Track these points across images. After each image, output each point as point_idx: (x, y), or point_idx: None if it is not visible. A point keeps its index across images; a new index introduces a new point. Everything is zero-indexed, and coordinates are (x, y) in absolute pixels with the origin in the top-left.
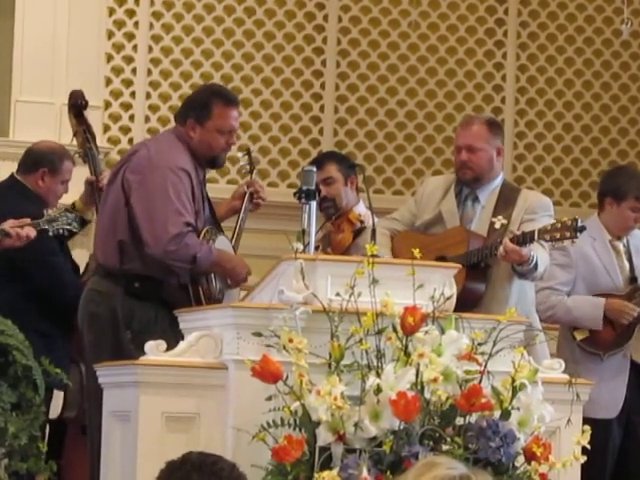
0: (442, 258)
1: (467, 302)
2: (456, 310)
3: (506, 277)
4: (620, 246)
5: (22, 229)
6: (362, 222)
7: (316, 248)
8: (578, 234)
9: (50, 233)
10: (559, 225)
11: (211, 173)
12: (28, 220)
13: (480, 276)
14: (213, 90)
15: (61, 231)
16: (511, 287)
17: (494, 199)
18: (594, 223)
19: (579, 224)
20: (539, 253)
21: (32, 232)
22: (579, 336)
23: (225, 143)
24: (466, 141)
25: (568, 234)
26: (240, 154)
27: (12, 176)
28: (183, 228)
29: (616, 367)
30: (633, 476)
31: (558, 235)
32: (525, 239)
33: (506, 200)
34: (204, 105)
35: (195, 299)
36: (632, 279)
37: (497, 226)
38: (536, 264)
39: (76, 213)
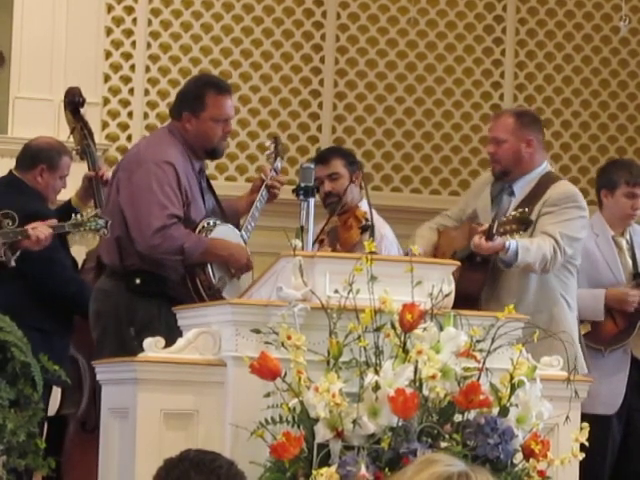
0: (455, 253)
1: (465, 294)
2: (456, 304)
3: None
4: (623, 242)
5: (42, 234)
6: (367, 220)
7: (321, 242)
8: (524, 227)
9: (77, 237)
10: (511, 217)
11: (210, 170)
12: (54, 221)
13: (474, 269)
14: (205, 80)
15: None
16: (528, 278)
17: (527, 192)
18: (597, 220)
19: (526, 216)
20: (527, 242)
21: (48, 232)
22: (580, 331)
23: (222, 132)
24: (492, 133)
25: (515, 226)
26: (268, 142)
27: (10, 173)
28: (167, 220)
29: (617, 363)
30: (635, 474)
31: (509, 228)
32: (490, 233)
33: (537, 192)
34: (197, 96)
35: (194, 291)
36: (635, 275)
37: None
38: (516, 252)
39: (107, 218)
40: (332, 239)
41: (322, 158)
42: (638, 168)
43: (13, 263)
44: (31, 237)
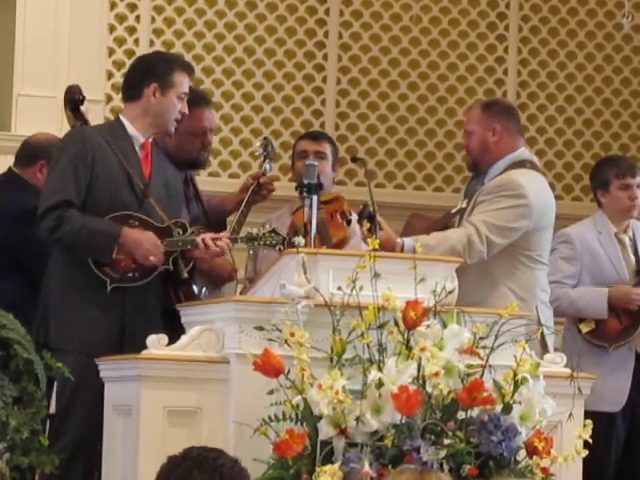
0: None
1: None
2: None
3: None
4: (626, 239)
5: (215, 244)
6: (351, 213)
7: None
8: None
9: (250, 252)
10: None
11: (213, 167)
12: (226, 234)
13: None
14: None
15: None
16: (465, 270)
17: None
18: (600, 217)
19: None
20: (428, 239)
21: (225, 242)
22: (585, 329)
23: (200, 144)
24: (465, 126)
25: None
26: (258, 142)
27: (10, 170)
28: None
29: (621, 360)
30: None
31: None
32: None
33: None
34: None
35: (177, 301)
36: (638, 272)
37: (453, 210)
38: (413, 250)
39: (283, 236)
40: (324, 236)
41: (314, 135)
42: (625, 160)
43: (185, 275)
44: (199, 246)
